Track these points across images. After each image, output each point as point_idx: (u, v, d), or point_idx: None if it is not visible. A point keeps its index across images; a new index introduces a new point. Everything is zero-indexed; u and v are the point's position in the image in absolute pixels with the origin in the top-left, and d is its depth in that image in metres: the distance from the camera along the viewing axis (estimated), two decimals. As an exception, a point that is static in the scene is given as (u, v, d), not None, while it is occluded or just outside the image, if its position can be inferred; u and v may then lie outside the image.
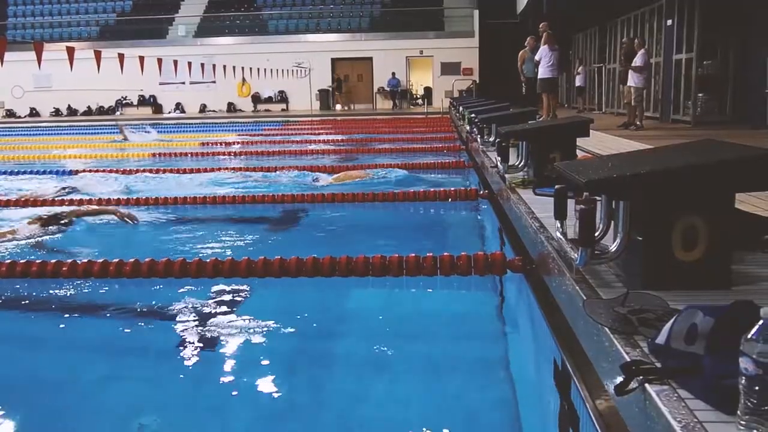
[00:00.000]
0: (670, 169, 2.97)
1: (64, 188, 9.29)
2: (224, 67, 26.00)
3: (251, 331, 4.39)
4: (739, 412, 1.70)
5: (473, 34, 33.04)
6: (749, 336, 1.65)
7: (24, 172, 11.37)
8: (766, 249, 3.57)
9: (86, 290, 4.85)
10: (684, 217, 2.88)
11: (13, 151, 15.96)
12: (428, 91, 33.64)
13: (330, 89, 33.62)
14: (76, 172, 11.28)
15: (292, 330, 4.50)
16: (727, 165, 2.94)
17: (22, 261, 5.26)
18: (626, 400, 2.14)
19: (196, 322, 4.49)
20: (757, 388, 1.64)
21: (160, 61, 17.54)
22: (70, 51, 12.41)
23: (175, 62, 19.25)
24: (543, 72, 14.87)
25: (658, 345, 2.19)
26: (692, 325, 2.09)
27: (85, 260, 5.18)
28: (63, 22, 37.14)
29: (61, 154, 15.14)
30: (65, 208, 7.44)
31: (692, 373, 1.98)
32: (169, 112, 34.15)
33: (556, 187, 3.44)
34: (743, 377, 1.67)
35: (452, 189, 8.08)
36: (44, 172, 11.33)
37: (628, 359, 2.20)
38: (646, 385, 2.02)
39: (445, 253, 4.95)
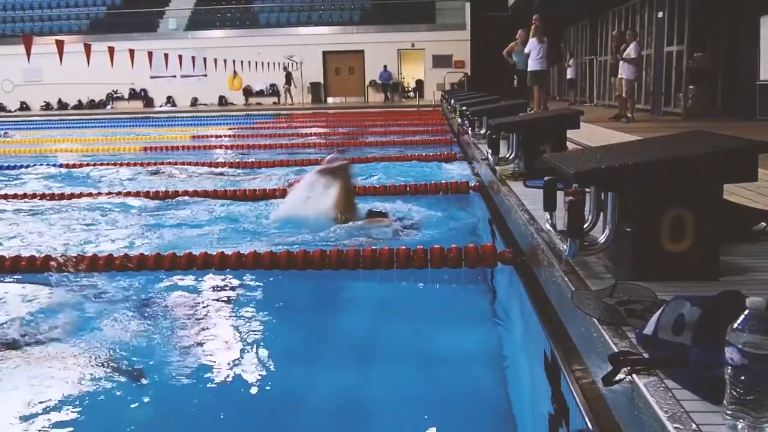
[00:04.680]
0: (658, 161, 2.98)
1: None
2: (215, 60, 25.93)
3: (241, 324, 4.38)
4: (725, 401, 1.70)
5: (465, 26, 33.04)
6: (735, 326, 1.66)
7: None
8: (754, 240, 3.59)
9: (73, 284, 4.83)
10: (672, 208, 2.88)
11: (7, 146, 15.83)
12: (420, 84, 33.62)
13: (286, 82, 33.27)
14: (67, 165, 11.26)
15: (282, 323, 4.50)
16: (714, 156, 2.95)
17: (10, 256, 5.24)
18: (614, 391, 2.15)
19: (187, 315, 4.48)
20: (742, 377, 1.65)
21: (150, 54, 17.47)
22: (60, 44, 12.37)
23: (166, 56, 19.21)
24: (532, 64, 14.88)
25: (645, 336, 2.20)
26: (679, 315, 2.10)
27: (75, 254, 5.17)
28: (53, 16, 36.93)
29: (52, 148, 15.06)
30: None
31: (679, 364, 1.99)
32: (161, 106, 34.02)
33: (545, 178, 3.45)
34: (729, 367, 1.67)
35: (443, 182, 8.08)
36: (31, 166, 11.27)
37: (616, 350, 2.20)
38: (634, 375, 2.02)
39: (436, 246, 4.95)
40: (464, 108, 11.39)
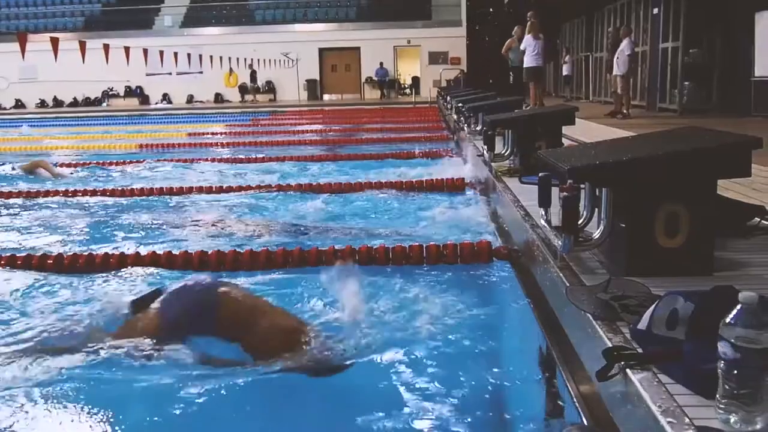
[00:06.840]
0: (652, 157, 2.99)
1: None
2: (211, 57, 25.86)
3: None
4: (717, 396, 1.71)
5: (461, 23, 32.99)
6: (727, 320, 1.67)
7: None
8: (748, 235, 3.60)
9: (67, 284, 4.82)
10: (666, 203, 2.90)
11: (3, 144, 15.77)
12: (416, 80, 33.61)
13: (251, 80, 33.26)
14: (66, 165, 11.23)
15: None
16: (708, 152, 2.96)
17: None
18: (608, 385, 2.16)
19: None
20: (735, 372, 1.66)
21: (146, 51, 17.44)
22: (55, 42, 12.32)
23: (162, 53, 19.15)
24: (528, 61, 14.89)
25: (639, 331, 2.21)
26: (673, 310, 2.11)
27: (70, 253, 5.17)
28: (48, 13, 36.83)
29: (48, 146, 15.02)
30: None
31: (673, 359, 2.00)
32: (156, 103, 33.96)
33: (540, 174, 3.46)
34: (722, 361, 1.68)
35: (439, 178, 8.08)
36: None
37: (610, 345, 2.22)
38: (628, 370, 2.03)
39: (432, 242, 4.96)
40: (460, 104, 11.39)
